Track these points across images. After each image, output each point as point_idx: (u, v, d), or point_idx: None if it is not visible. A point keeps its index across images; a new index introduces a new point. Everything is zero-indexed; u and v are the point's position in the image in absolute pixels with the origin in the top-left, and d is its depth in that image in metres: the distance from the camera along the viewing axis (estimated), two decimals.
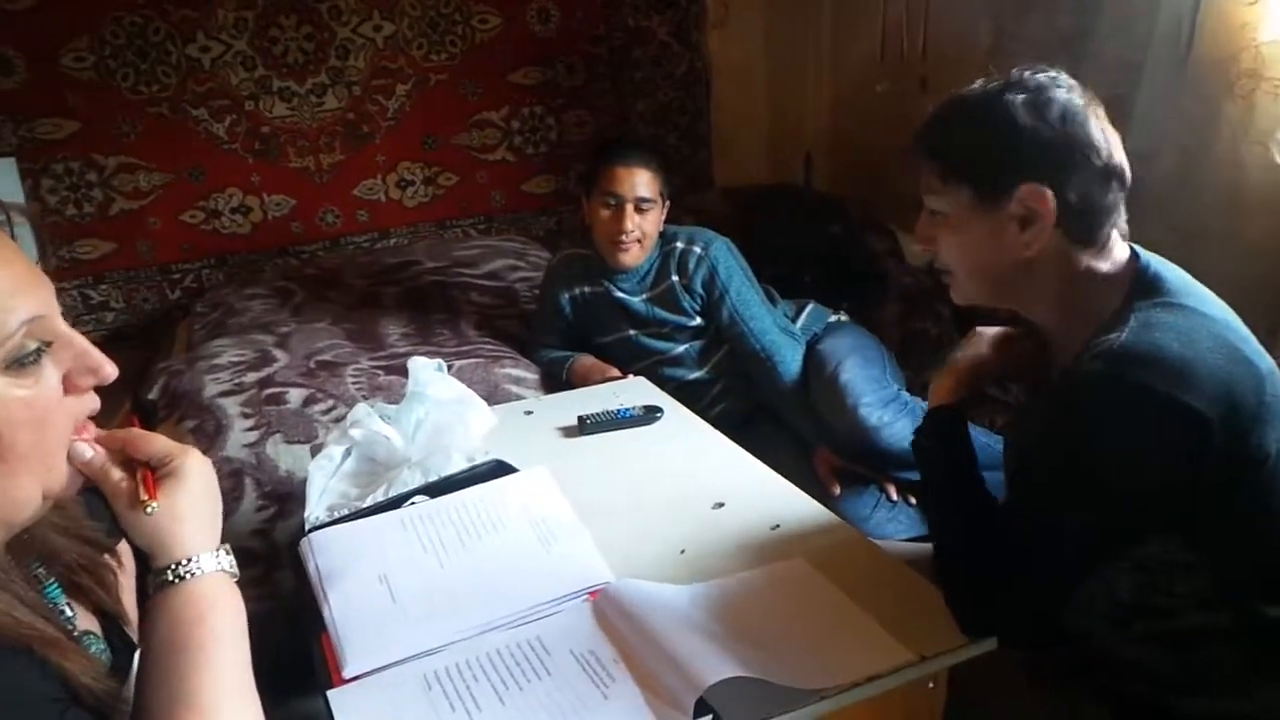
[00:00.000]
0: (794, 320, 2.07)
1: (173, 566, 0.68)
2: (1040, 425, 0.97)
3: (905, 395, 1.88)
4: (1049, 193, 0.93)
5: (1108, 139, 0.94)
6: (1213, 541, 0.92)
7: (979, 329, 1.18)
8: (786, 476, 1.26)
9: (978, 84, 0.99)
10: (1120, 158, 0.95)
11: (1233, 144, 1.76)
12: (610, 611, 0.93)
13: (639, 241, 1.90)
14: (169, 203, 2.70)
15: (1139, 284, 0.95)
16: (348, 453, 1.22)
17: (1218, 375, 0.85)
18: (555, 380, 1.98)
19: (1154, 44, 1.86)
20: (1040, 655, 1.06)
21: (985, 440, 1.85)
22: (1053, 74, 0.96)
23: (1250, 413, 0.87)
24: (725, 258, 1.95)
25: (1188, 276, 0.98)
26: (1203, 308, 0.92)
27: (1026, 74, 0.96)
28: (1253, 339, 0.93)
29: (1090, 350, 0.90)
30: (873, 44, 2.89)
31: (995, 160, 0.95)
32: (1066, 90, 0.94)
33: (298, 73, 2.73)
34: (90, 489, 0.71)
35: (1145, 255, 0.98)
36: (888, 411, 1.80)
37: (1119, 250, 0.98)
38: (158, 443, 0.72)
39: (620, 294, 1.98)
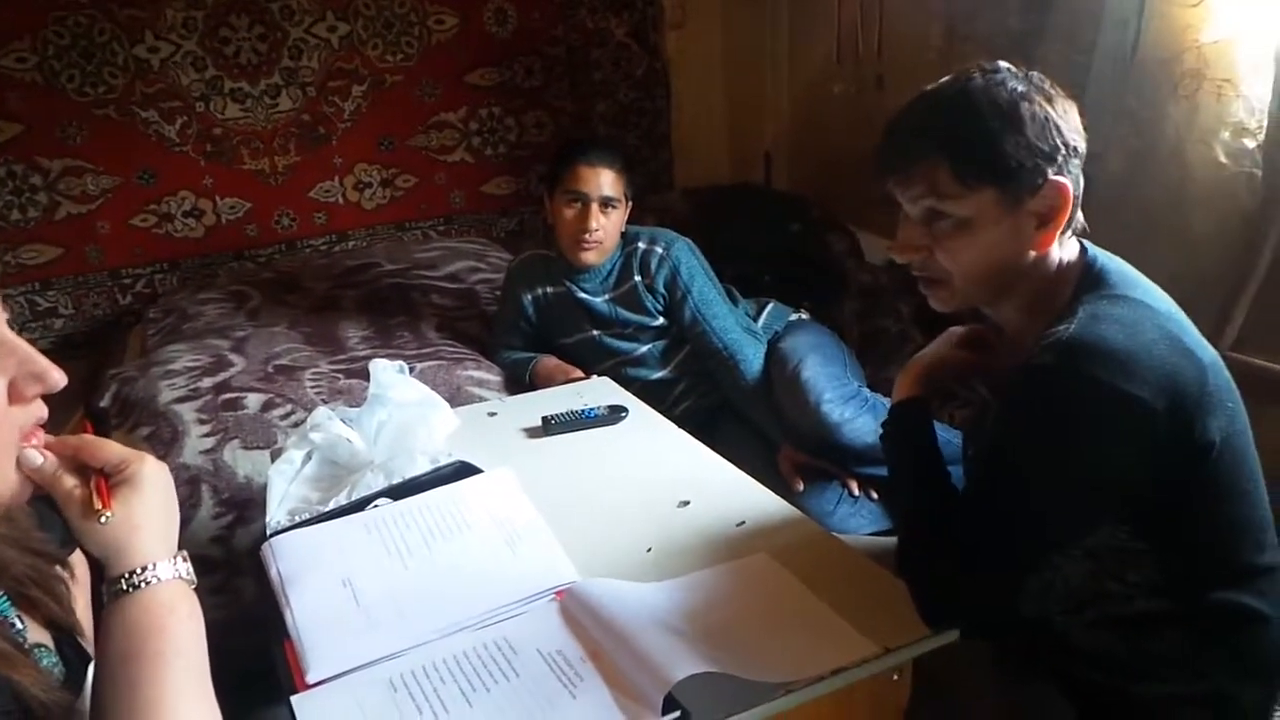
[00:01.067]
0: (755, 319, 2.08)
1: (128, 575, 0.67)
2: (997, 419, 0.99)
3: (866, 392, 1.90)
4: (1070, 185, 0.92)
5: (1081, 130, 0.95)
6: (1160, 530, 0.94)
7: (952, 328, 1.17)
8: (750, 474, 1.26)
9: (956, 79, 0.95)
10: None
11: (1178, 143, 1.81)
12: (577, 610, 0.93)
13: (601, 241, 1.90)
14: (118, 206, 2.64)
15: (1086, 277, 0.96)
16: (308, 456, 1.20)
17: (1162, 366, 0.87)
18: (518, 382, 1.98)
19: (1101, 45, 1.91)
20: (1000, 644, 1.08)
21: (945, 436, 1.88)
22: (1028, 70, 0.95)
23: (1193, 402, 0.89)
24: (687, 258, 1.96)
25: (1132, 270, 1.00)
26: (1147, 300, 0.93)
27: (1007, 69, 0.94)
28: (1194, 330, 0.95)
29: (1041, 343, 0.91)
30: (829, 45, 2.92)
31: (1025, 157, 0.90)
32: (1049, 85, 0.95)
33: (250, 73, 2.69)
34: (41, 497, 0.69)
35: (1092, 249, 1.00)
36: (848, 408, 1.82)
37: (1071, 244, 0.99)
38: (111, 449, 0.71)
39: (583, 295, 1.98)
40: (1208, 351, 0.93)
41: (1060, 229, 0.94)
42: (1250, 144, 1.73)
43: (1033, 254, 0.95)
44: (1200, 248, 1.80)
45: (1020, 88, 0.92)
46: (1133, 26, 1.85)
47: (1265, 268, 1.76)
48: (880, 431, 1.13)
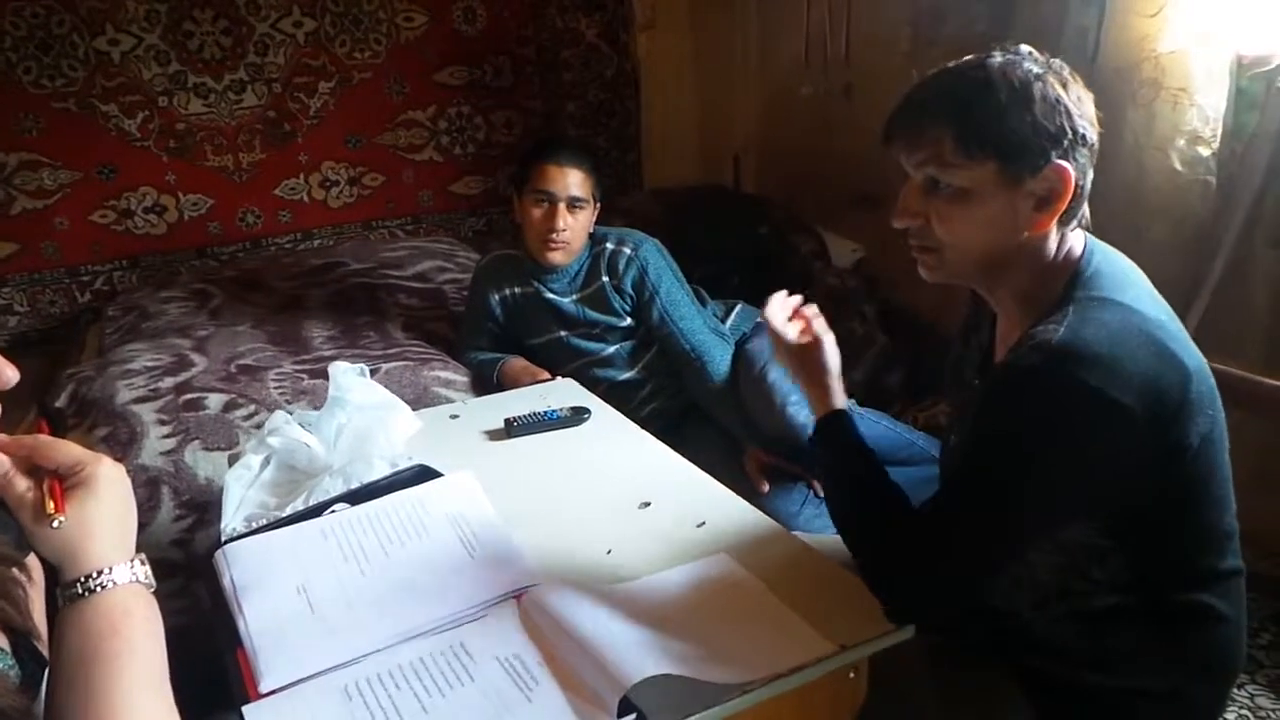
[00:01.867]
0: (723, 320, 2.09)
1: (82, 580, 0.66)
2: (978, 414, 0.98)
3: None
4: (1073, 172, 0.92)
5: (1093, 121, 0.94)
6: (1130, 529, 0.95)
7: (782, 350, 1.18)
8: (717, 475, 1.27)
9: (972, 58, 0.95)
10: (1096, 138, 0.95)
11: (1135, 150, 1.84)
12: (535, 614, 0.93)
13: (569, 242, 1.89)
14: (77, 202, 2.59)
15: (1079, 275, 0.96)
16: (266, 461, 1.19)
17: (1145, 372, 0.88)
18: (485, 382, 1.97)
19: (1062, 53, 1.91)
20: (956, 637, 1.09)
21: (909, 437, 1.90)
22: (1048, 55, 0.95)
23: (1173, 408, 0.90)
24: (655, 259, 1.96)
25: (1129, 269, 0.99)
26: (1136, 304, 0.93)
27: (1029, 51, 0.94)
28: (1183, 336, 0.95)
29: (1027, 342, 0.92)
30: (798, 49, 2.94)
31: (1030, 135, 0.90)
32: (1066, 71, 0.94)
33: (214, 68, 2.65)
34: None
35: (1092, 244, 0.99)
36: None
37: (1076, 237, 0.99)
38: (67, 450, 0.69)
39: (550, 295, 1.97)
40: (1194, 357, 0.94)
41: (1058, 214, 0.93)
42: (1205, 152, 1.77)
43: (1026, 235, 0.95)
44: (1157, 253, 1.83)
45: (1036, 69, 0.92)
46: (1092, 35, 1.88)
47: (1219, 273, 1.80)
48: (812, 448, 1.13)
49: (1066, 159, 0.91)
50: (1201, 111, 1.75)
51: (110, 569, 0.66)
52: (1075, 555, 0.97)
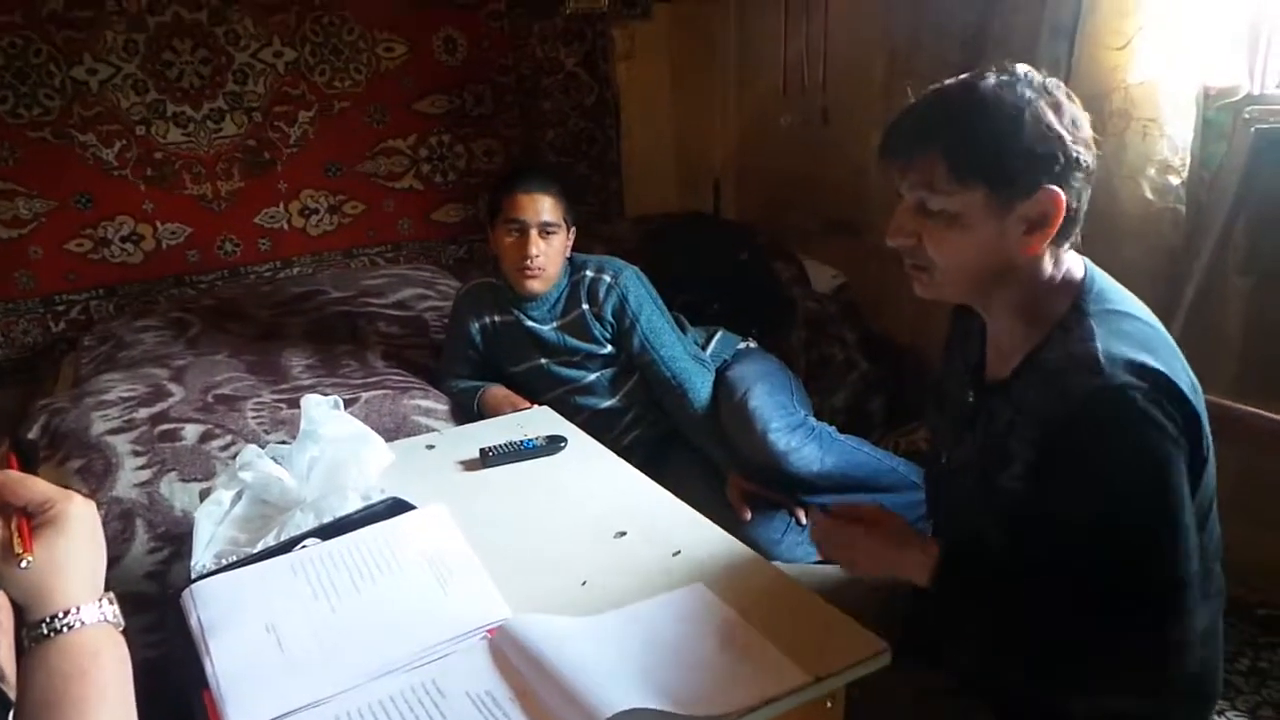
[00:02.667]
0: (704, 348, 2.10)
1: (49, 620, 0.64)
2: (1045, 456, 0.93)
3: (812, 420, 1.92)
4: (1064, 196, 0.92)
5: (1089, 143, 0.95)
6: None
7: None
8: (698, 502, 1.26)
9: (971, 78, 0.95)
10: (1091, 160, 0.95)
11: (1106, 179, 1.87)
12: (508, 648, 0.92)
13: (544, 268, 1.90)
14: (53, 231, 2.57)
15: (1085, 292, 0.97)
16: (238, 496, 1.17)
17: (1181, 381, 0.89)
18: (466, 411, 1.96)
19: None
20: (929, 664, 1.08)
21: (890, 464, 1.90)
22: (1046, 76, 0.95)
23: (1200, 422, 0.91)
24: (635, 286, 1.97)
25: (1128, 291, 1.01)
26: (1144, 316, 0.95)
27: (1024, 73, 0.93)
28: (1180, 353, 0.96)
29: (1059, 364, 0.91)
30: (776, 77, 2.97)
31: (1020, 163, 0.91)
32: (1060, 92, 0.94)
33: (193, 97, 2.65)
34: None
35: (1091, 266, 1.01)
36: (795, 437, 1.83)
37: (1073, 257, 1.00)
38: (36, 487, 0.68)
39: (531, 323, 1.97)
40: (1192, 376, 0.95)
41: (1049, 237, 0.94)
42: (1174, 181, 1.79)
43: (1018, 257, 0.95)
44: (1130, 281, 1.82)
45: (1029, 94, 0.92)
46: (1063, 67, 1.92)
47: (1190, 300, 1.82)
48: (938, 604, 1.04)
49: (1058, 183, 0.92)
50: (1171, 141, 1.78)
51: (78, 609, 0.65)
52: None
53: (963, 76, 0.97)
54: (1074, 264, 0.99)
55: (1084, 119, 0.95)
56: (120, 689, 0.65)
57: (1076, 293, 0.97)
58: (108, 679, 0.64)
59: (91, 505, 0.70)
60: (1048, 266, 0.98)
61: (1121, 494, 0.89)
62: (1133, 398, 0.86)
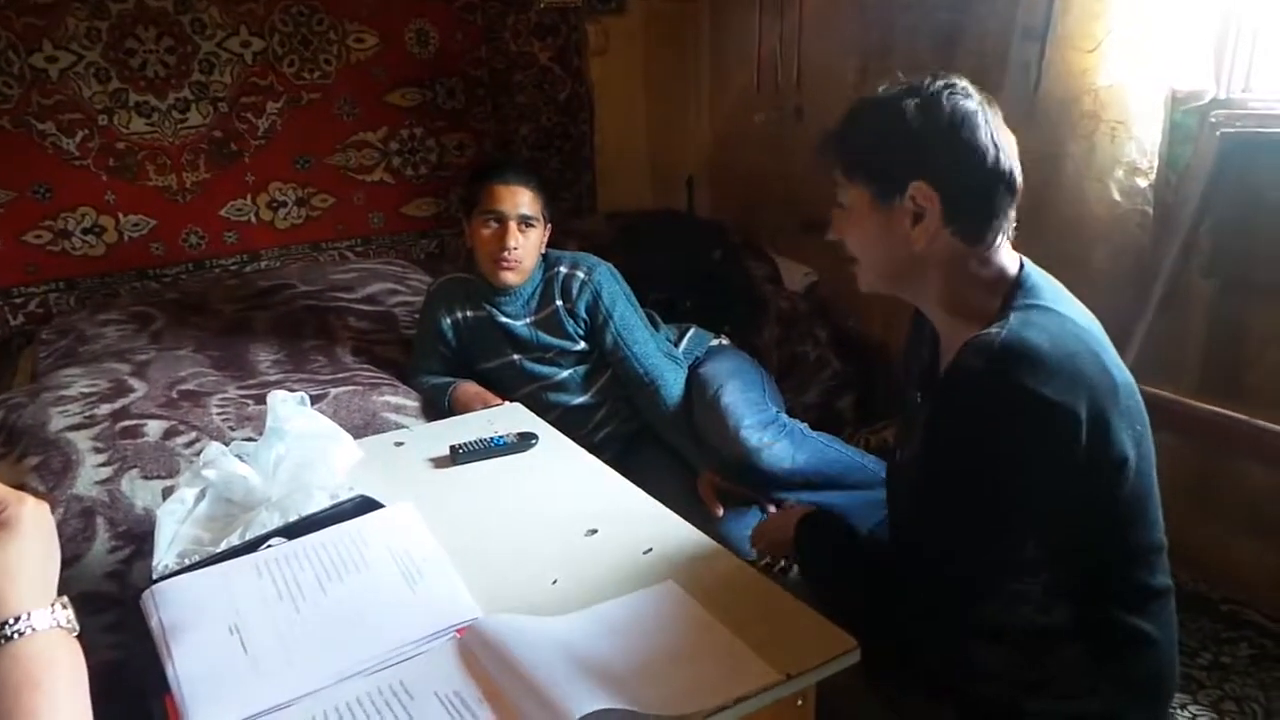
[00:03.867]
0: (676, 344, 2.09)
1: None
2: (927, 426, 1.02)
3: (784, 417, 1.92)
4: (935, 192, 0.98)
5: (998, 144, 0.99)
6: (1061, 540, 0.97)
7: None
8: (671, 499, 1.26)
9: (883, 88, 1.05)
10: (1009, 163, 1.00)
11: (1076, 180, 1.89)
12: (477, 648, 0.90)
13: (521, 261, 1.88)
14: (10, 222, 2.50)
15: (1017, 289, 1.00)
16: (202, 494, 1.15)
17: (1085, 378, 0.91)
18: (437, 408, 1.94)
19: (1006, 85, 1.98)
20: (902, 666, 1.09)
21: (862, 461, 1.91)
22: (953, 81, 1.01)
23: (1109, 417, 0.92)
24: (608, 282, 1.96)
25: (1063, 289, 1.04)
26: (1072, 314, 0.97)
27: (927, 80, 1.01)
28: (1113, 351, 0.99)
29: (969, 347, 0.94)
30: (749, 75, 2.98)
31: (888, 159, 1.01)
32: (962, 96, 0.99)
33: (158, 87, 2.59)
34: None
35: (1029, 265, 1.04)
36: (767, 433, 1.83)
37: (1007, 257, 1.04)
38: None
39: (504, 318, 1.96)
40: (1123, 373, 0.97)
41: (933, 230, 1.00)
42: (1143, 183, 1.82)
43: (918, 248, 1.02)
44: (1098, 281, 1.88)
45: (919, 99, 0.99)
46: (1034, 69, 1.93)
47: (1156, 301, 1.85)
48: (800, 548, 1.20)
49: (930, 180, 0.99)
50: (1139, 144, 1.80)
51: (29, 614, 0.63)
52: (1006, 559, 0.98)
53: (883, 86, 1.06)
54: (1009, 263, 1.04)
55: (975, 119, 0.99)
56: (74, 697, 0.63)
57: (1008, 290, 1.01)
58: (61, 687, 0.62)
59: (45, 507, 0.68)
60: (970, 262, 1.02)
61: (951, 470, 0.97)
62: (994, 380, 0.91)
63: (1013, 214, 1.03)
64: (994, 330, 0.93)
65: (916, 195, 1.00)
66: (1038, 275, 1.03)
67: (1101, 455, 0.93)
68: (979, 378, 0.92)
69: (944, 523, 0.98)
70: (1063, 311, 0.97)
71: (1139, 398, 0.99)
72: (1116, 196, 1.84)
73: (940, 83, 1.00)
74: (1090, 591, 0.99)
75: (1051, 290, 1.01)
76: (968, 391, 0.94)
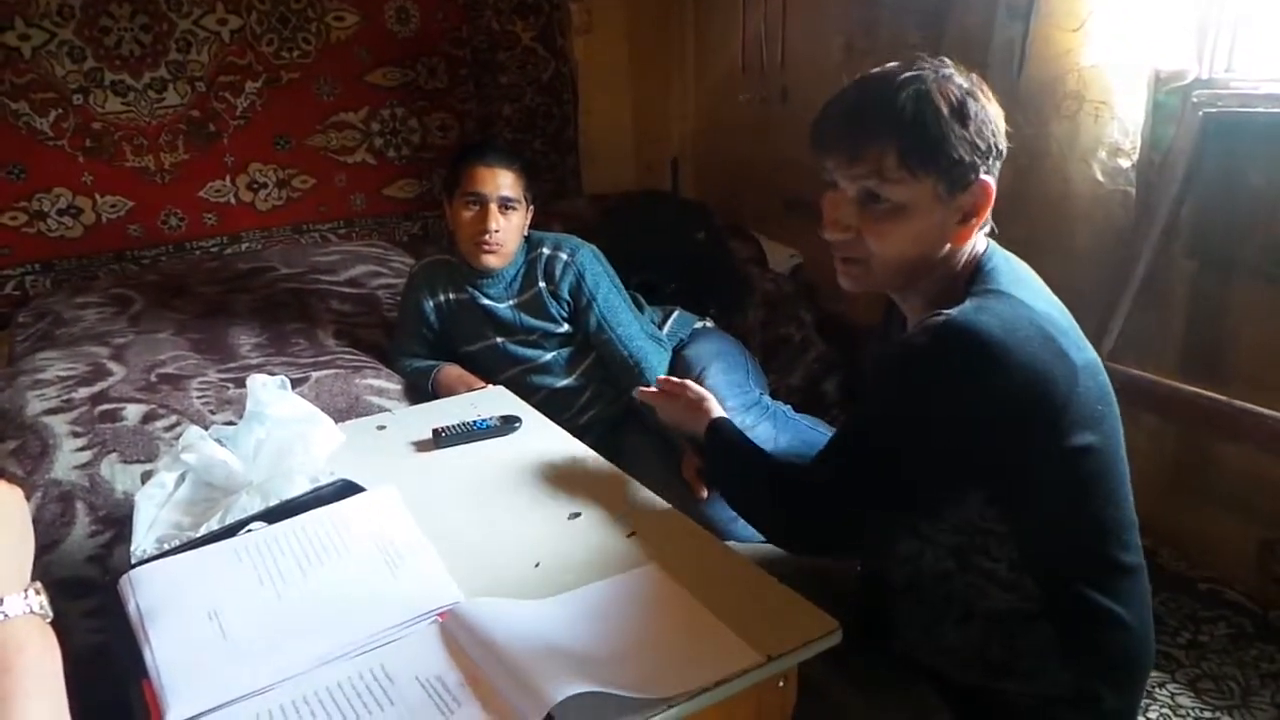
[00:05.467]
0: (660, 326, 2.09)
1: None
2: (867, 380, 1.05)
3: (767, 399, 1.92)
4: (994, 186, 0.97)
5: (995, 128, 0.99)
6: (1023, 517, 0.97)
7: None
8: (655, 481, 1.26)
9: (904, 68, 0.97)
10: (1003, 145, 0.99)
11: (1060, 161, 1.89)
12: (458, 632, 0.90)
13: (502, 244, 1.87)
14: None
15: (978, 273, 1.00)
16: (181, 478, 1.14)
17: (1031, 362, 0.91)
18: (420, 391, 1.93)
19: (990, 65, 1.98)
20: (878, 649, 1.10)
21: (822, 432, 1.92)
22: (945, 61, 0.99)
23: (1060, 402, 0.92)
24: (592, 264, 1.95)
25: (1024, 271, 1.04)
26: (1028, 299, 0.96)
27: (953, 68, 0.98)
28: (1076, 333, 0.98)
29: (920, 325, 0.95)
30: (734, 55, 2.96)
31: (965, 152, 0.94)
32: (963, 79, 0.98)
33: (133, 66, 2.55)
34: None
35: (992, 247, 1.03)
36: (750, 415, 1.83)
37: (981, 243, 1.03)
38: None
39: (486, 301, 1.95)
40: (1084, 354, 0.97)
41: (977, 227, 0.99)
42: (1125, 164, 1.82)
43: (949, 247, 0.99)
44: (1081, 261, 1.89)
45: (966, 85, 0.97)
46: (1018, 48, 1.93)
47: (1138, 282, 1.86)
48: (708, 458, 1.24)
49: (990, 174, 0.97)
50: (1121, 124, 1.80)
51: (1, 600, 0.62)
52: (971, 535, 1.00)
53: (892, 66, 0.99)
54: (980, 246, 1.03)
55: (999, 110, 0.99)
56: (48, 684, 0.62)
57: (970, 275, 1.01)
58: (34, 674, 0.61)
59: (18, 492, 0.67)
60: (964, 256, 1.01)
61: (869, 414, 1.02)
62: (930, 348, 0.92)
63: None
64: (948, 312, 0.93)
65: (979, 191, 0.96)
66: (1000, 258, 1.02)
67: (1044, 438, 0.93)
68: (917, 350, 0.93)
69: (849, 460, 1.01)
70: (1018, 295, 0.96)
71: (1103, 377, 0.99)
72: (1099, 177, 1.84)
73: (965, 74, 0.98)
74: (1059, 569, 1.00)
75: (1011, 273, 1.00)
76: (904, 360, 0.96)
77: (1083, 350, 0.97)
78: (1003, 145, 0.98)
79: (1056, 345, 0.93)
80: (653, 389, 1.35)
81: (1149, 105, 1.79)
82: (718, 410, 1.24)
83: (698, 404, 1.26)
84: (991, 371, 0.89)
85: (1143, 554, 1.05)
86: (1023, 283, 1.00)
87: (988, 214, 0.98)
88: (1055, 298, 1.03)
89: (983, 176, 0.96)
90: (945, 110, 0.94)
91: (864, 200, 0.98)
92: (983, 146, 0.95)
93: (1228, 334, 1.81)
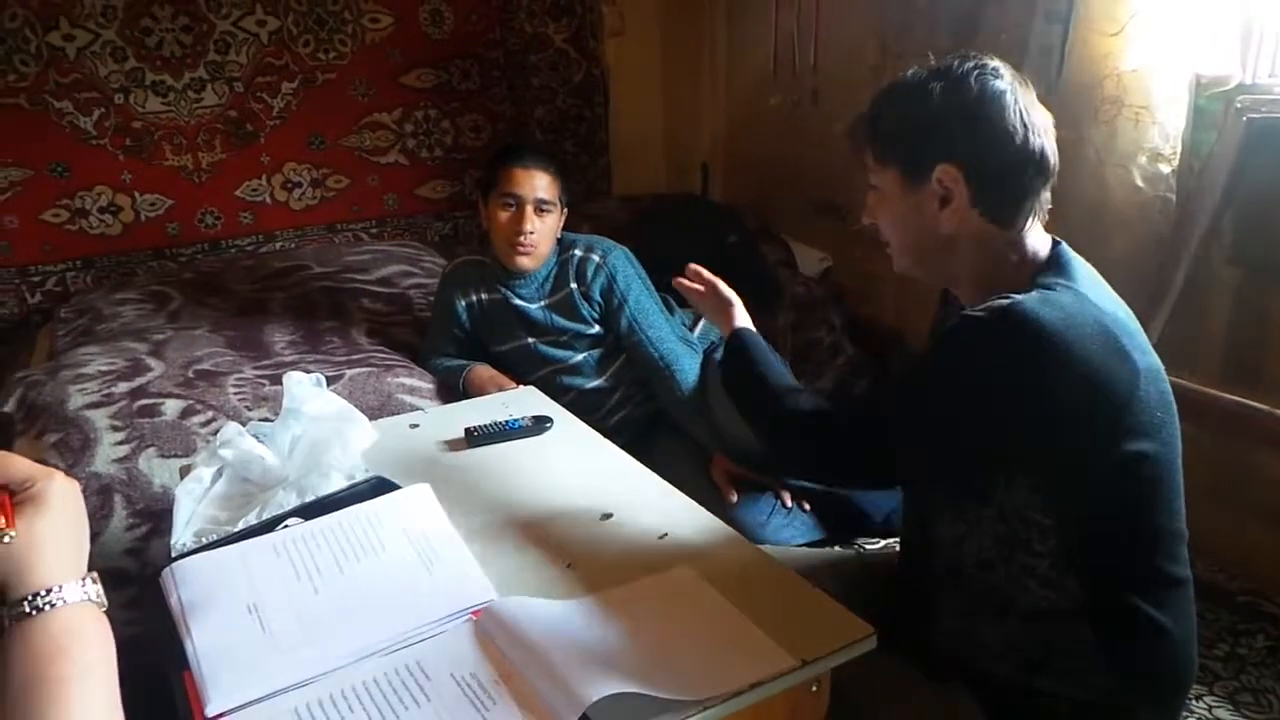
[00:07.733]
0: (691, 329, 2.09)
1: (30, 598, 0.63)
2: (929, 351, 1.05)
3: None
4: (962, 174, 0.98)
5: (1028, 124, 0.97)
6: (1070, 514, 0.96)
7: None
8: (685, 484, 1.26)
9: (913, 70, 1.04)
10: (1041, 143, 0.98)
11: (1098, 166, 1.87)
12: (493, 631, 0.91)
13: (536, 245, 1.88)
14: (28, 200, 2.52)
15: (1049, 266, 1.00)
16: (218, 474, 1.15)
17: (1090, 359, 0.90)
18: (451, 390, 1.94)
19: (1027, 69, 1.95)
20: (915, 649, 1.09)
21: None
22: (984, 61, 0.99)
23: (1120, 403, 0.91)
24: (623, 266, 1.95)
25: (1096, 273, 1.03)
26: (1096, 298, 0.95)
27: (956, 62, 1.00)
28: (1140, 337, 0.97)
29: (986, 305, 0.94)
30: (766, 58, 2.95)
31: (915, 141, 1.01)
32: (992, 76, 0.97)
33: (174, 66, 2.60)
34: None
35: (1065, 247, 1.03)
36: None
37: (1039, 238, 1.02)
38: (16, 464, 0.66)
39: (518, 301, 1.96)
40: (1147, 359, 0.95)
41: (962, 211, 1.00)
42: (1165, 169, 1.79)
43: (948, 229, 1.01)
44: (1119, 268, 1.84)
45: (942, 84, 0.98)
46: (1057, 52, 1.91)
47: (1178, 289, 1.83)
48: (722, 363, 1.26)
49: (956, 162, 0.98)
50: (1162, 129, 1.77)
51: (60, 587, 0.64)
52: (1015, 526, 0.99)
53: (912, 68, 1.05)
54: (1040, 244, 1.03)
55: (1005, 99, 0.97)
56: (103, 668, 0.64)
57: (1039, 269, 1.00)
58: (90, 658, 0.63)
59: (74, 484, 0.69)
60: (999, 244, 1.01)
61: (933, 372, 1.00)
62: (989, 326, 0.92)
63: (1046, 195, 1.01)
64: (1014, 296, 0.92)
65: (943, 178, 1.00)
66: (1071, 256, 1.02)
67: (1107, 438, 0.92)
68: (976, 324, 0.93)
69: (904, 412, 1.01)
70: (1087, 293, 0.95)
71: (1165, 385, 0.98)
72: (1139, 183, 1.82)
73: (970, 64, 0.99)
74: (1105, 574, 0.98)
75: (1082, 271, 1.00)
76: (962, 331, 0.95)
77: (1147, 355, 0.96)
78: (988, 138, 0.97)
79: (1120, 346, 0.92)
80: (684, 280, 1.38)
81: (1190, 110, 1.76)
82: (742, 319, 1.27)
83: (724, 306, 1.30)
84: (1047, 362, 0.89)
85: (1190, 568, 1.03)
86: (1095, 283, 1.00)
87: (965, 197, 0.99)
88: (1123, 302, 1.02)
89: (943, 164, 0.99)
90: (904, 105, 1.01)
91: (869, 187, 1.09)
92: (944, 137, 0.98)
93: (1269, 342, 1.77)
